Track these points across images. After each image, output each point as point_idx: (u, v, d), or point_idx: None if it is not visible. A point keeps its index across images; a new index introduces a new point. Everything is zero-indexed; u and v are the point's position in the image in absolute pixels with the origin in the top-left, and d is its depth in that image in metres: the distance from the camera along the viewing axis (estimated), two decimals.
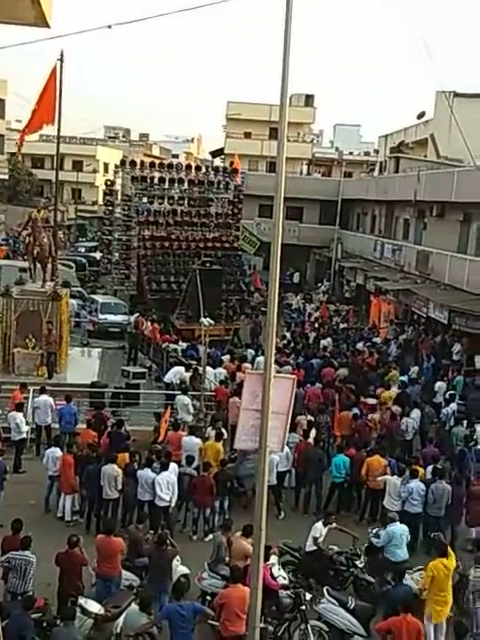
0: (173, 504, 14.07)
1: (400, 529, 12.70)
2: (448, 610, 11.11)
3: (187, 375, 21.30)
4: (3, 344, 22.07)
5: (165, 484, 13.80)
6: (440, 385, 22.31)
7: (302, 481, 16.49)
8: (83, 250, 50.31)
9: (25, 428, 16.95)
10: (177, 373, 21.43)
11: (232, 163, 39.82)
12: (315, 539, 12.39)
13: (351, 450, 16.20)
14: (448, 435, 18.77)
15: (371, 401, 20.20)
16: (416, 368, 24.44)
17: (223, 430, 16.63)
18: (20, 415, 16.91)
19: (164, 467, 14.08)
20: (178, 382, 21.07)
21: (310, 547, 12.44)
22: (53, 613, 10.38)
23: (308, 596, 11.08)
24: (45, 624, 9.98)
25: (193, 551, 13.04)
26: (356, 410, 19.16)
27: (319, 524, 12.59)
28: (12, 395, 17.86)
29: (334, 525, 12.81)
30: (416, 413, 19.20)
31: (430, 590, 11.00)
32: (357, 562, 12.57)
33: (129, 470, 14.30)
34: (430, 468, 15.31)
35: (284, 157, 7.83)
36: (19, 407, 17.17)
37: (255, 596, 8.13)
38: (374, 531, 13.31)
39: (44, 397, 18.05)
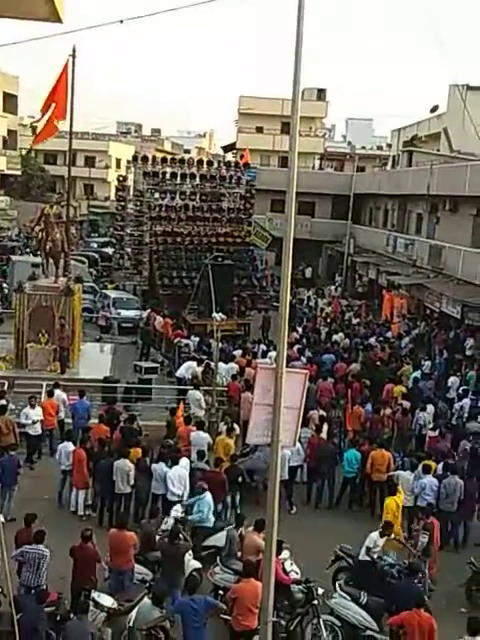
0: (185, 499, 14.11)
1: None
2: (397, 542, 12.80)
3: (199, 370, 21.34)
4: (16, 339, 22.19)
5: (177, 479, 13.85)
6: (453, 380, 22.24)
7: (314, 476, 16.49)
8: (95, 246, 50.46)
9: (31, 419, 16.89)
10: (189, 368, 21.47)
11: (242, 157, 39.75)
12: (369, 549, 12.03)
13: (364, 445, 16.19)
14: (461, 430, 18.70)
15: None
16: (429, 363, 24.37)
17: (235, 425, 16.65)
18: (32, 411, 16.94)
19: (174, 462, 14.13)
20: (190, 377, 21.12)
21: (363, 556, 12.07)
22: (66, 607, 10.44)
23: (320, 591, 11.08)
24: (58, 618, 10.05)
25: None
26: (368, 405, 19.15)
27: (375, 534, 12.18)
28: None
29: (392, 537, 12.44)
30: (430, 408, 19.16)
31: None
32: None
33: (141, 465, 14.36)
34: (442, 463, 15.28)
35: (296, 152, 7.81)
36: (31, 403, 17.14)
37: (267, 591, 8.14)
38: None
39: (57, 392, 18.12)
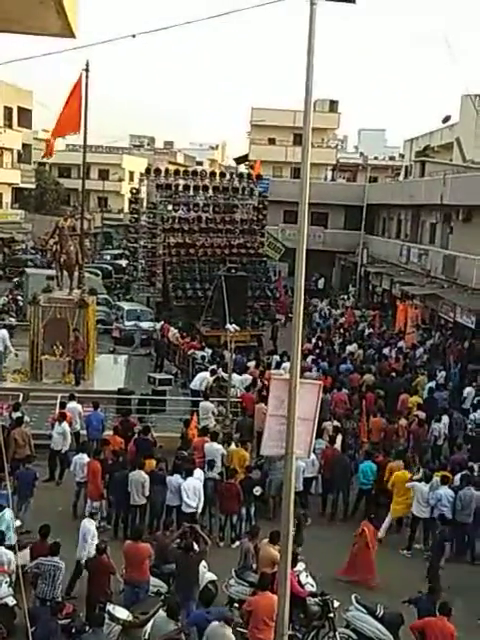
0: (199, 510, 14.07)
1: None
2: (404, 510, 14.86)
3: (211, 379, 21.31)
4: (31, 352, 22.29)
5: (191, 490, 13.83)
6: (469, 391, 22.07)
7: (329, 488, 16.40)
8: (108, 258, 50.69)
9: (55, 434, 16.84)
10: (203, 380, 21.46)
11: (253, 168, 39.77)
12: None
13: (379, 457, 16.08)
14: (477, 441, 18.56)
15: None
16: (444, 373, 24.22)
17: (245, 439, 16.63)
18: (59, 427, 16.79)
19: (189, 473, 14.10)
20: (204, 389, 21.11)
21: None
22: (82, 619, 10.42)
23: (336, 603, 11.00)
24: (74, 630, 10.03)
25: (220, 558, 13.02)
26: (382, 417, 19.04)
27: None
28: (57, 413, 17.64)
29: None
30: (445, 419, 19.03)
31: (394, 494, 14.97)
32: None
33: (155, 476, 14.34)
34: (459, 475, 15.16)
35: (308, 163, 7.82)
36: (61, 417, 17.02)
37: (283, 603, 8.09)
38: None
39: (73, 404, 18.15)
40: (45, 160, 59.38)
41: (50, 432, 16.88)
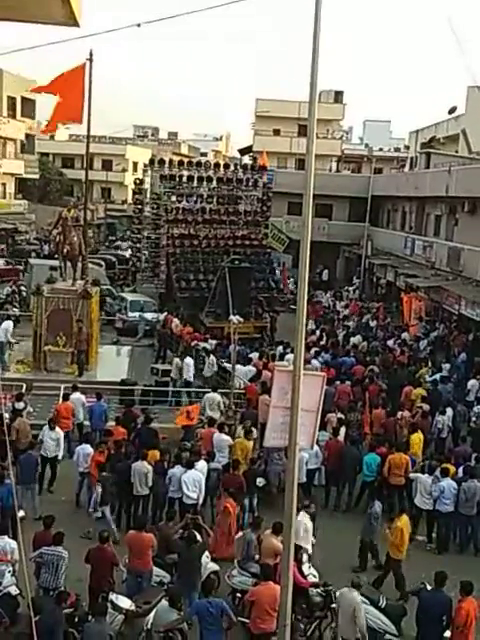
0: (200, 501, 14.07)
1: None
2: None
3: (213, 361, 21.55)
4: (34, 342, 22.33)
5: (191, 482, 13.82)
6: (473, 383, 22.02)
7: (336, 479, 16.38)
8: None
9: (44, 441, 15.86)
10: (190, 365, 21.53)
11: (257, 160, 39.62)
12: None
13: (382, 448, 16.08)
14: None
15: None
16: (448, 366, 24.17)
17: (253, 428, 16.61)
18: (49, 433, 15.92)
19: (189, 465, 14.11)
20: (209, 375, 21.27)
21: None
22: (85, 608, 10.46)
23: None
24: (77, 619, 10.07)
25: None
26: (383, 409, 19.04)
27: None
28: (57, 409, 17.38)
29: None
30: (449, 411, 19.01)
31: None
32: None
33: (159, 467, 14.37)
34: (462, 467, 15.15)
35: (313, 154, 7.78)
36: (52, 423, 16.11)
37: (285, 594, 8.10)
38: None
39: (77, 395, 18.17)
40: (47, 140, 59.03)
41: (41, 437, 15.89)
